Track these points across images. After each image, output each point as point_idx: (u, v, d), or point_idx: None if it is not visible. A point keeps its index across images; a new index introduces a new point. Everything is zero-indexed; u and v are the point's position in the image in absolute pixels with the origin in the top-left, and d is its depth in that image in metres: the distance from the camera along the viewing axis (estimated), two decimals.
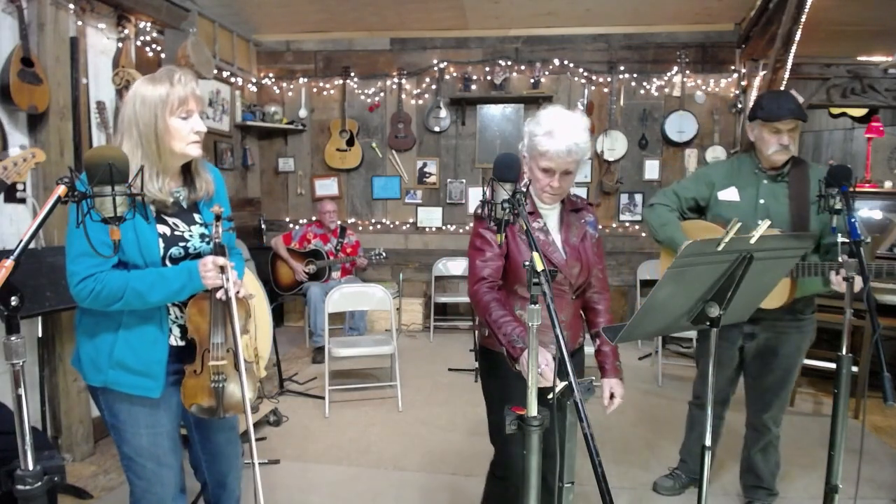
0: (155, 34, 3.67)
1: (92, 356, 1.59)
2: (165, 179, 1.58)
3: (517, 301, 1.83)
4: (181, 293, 1.55)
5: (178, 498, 1.71)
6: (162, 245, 1.57)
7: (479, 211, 1.78)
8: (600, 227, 2.02)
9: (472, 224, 1.91)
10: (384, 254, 4.98)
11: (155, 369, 1.57)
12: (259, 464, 2.89)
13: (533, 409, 1.23)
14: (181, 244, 1.61)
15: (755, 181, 2.29)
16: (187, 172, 1.66)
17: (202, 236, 1.66)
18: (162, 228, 1.58)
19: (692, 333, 3.98)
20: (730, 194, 2.32)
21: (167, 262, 1.59)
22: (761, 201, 2.25)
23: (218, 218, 1.60)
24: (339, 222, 5.16)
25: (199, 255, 1.63)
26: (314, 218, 5.26)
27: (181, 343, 1.65)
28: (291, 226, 5.66)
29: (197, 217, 1.67)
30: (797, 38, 3.89)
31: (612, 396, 1.79)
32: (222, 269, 1.55)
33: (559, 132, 1.66)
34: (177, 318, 1.65)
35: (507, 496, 1.88)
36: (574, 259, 1.80)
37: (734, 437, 2.74)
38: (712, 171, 2.43)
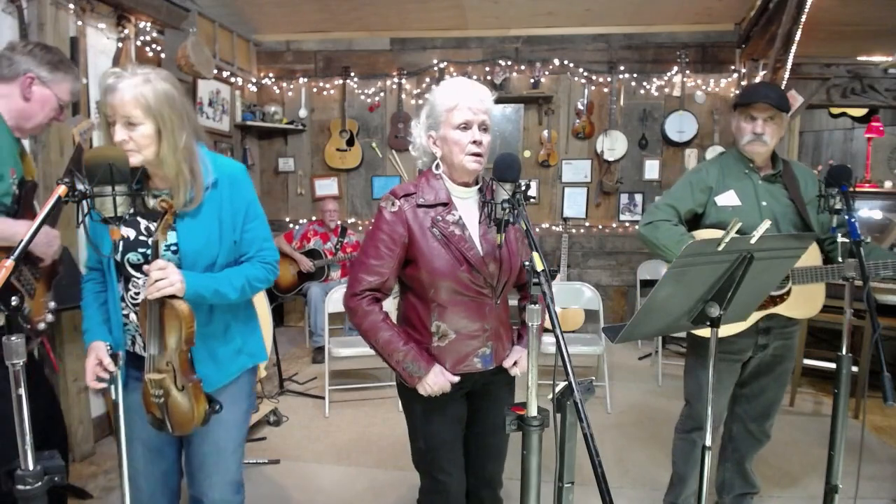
0: (155, 34, 3.67)
1: None
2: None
3: (433, 310, 1.61)
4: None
5: (160, 500, 1.68)
6: (121, 247, 1.53)
7: (384, 204, 1.60)
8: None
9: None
10: None
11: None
12: (259, 464, 2.90)
13: (533, 408, 1.23)
14: (140, 250, 1.53)
15: (749, 181, 2.13)
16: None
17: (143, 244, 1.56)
18: (126, 231, 1.52)
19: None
20: (729, 198, 2.12)
21: (126, 265, 1.54)
22: (763, 203, 2.10)
23: (164, 213, 1.39)
24: (339, 222, 5.17)
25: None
26: (314, 217, 5.26)
27: (139, 351, 1.60)
28: (291, 226, 5.66)
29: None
30: (797, 38, 3.89)
31: (515, 363, 1.71)
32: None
33: (461, 85, 1.61)
34: (127, 324, 1.60)
35: None
36: (492, 256, 1.62)
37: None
38: (705, 175, 2.18)
